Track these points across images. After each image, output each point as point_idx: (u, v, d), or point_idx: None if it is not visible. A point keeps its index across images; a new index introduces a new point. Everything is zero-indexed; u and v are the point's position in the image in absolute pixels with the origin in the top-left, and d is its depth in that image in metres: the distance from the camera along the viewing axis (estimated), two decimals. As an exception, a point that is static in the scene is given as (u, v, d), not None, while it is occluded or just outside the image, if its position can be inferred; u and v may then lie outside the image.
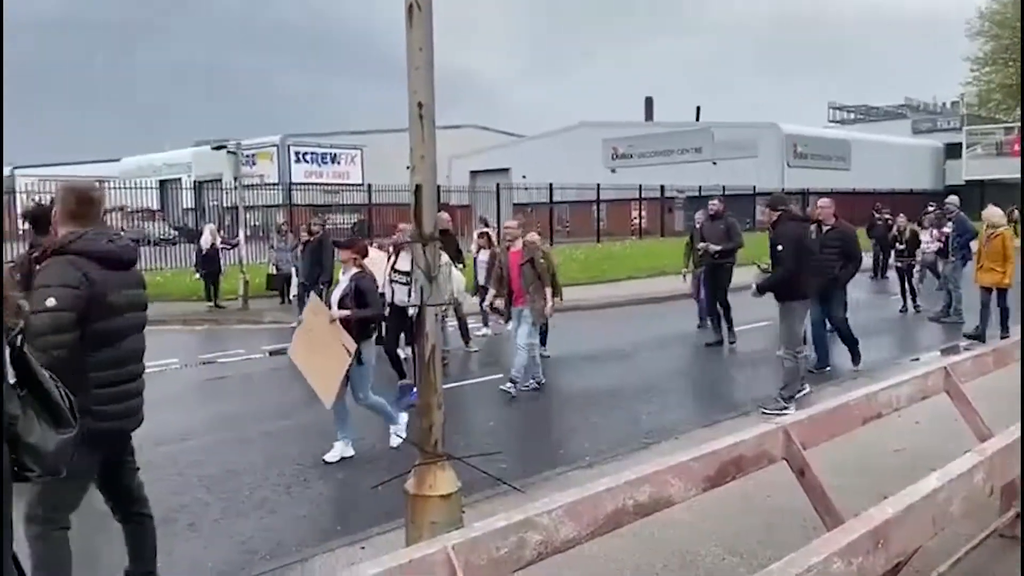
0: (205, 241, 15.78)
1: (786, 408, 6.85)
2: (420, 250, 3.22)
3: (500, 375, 8.70)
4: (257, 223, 25.65)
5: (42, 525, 3.40)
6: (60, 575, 3.43)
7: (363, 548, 4.57)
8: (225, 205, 25.42)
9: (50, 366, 3.03)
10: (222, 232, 16.99)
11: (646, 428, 7.02)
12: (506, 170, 46.37)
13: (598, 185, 36.97)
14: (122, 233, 4.66)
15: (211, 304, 15.55)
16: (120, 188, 27.64)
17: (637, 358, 10.46)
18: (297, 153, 43.45)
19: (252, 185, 23.76)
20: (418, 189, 3.21)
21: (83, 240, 3.36)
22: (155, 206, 36.63)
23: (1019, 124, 38.73)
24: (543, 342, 10.26)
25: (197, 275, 16.10)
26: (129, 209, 29.89)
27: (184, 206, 35.77)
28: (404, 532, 4.36)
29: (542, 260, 8.13)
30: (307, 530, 5.01)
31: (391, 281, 7.81)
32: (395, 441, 6.34)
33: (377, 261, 7.50)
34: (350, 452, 6.30)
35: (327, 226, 13.78)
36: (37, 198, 18.76)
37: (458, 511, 3.31)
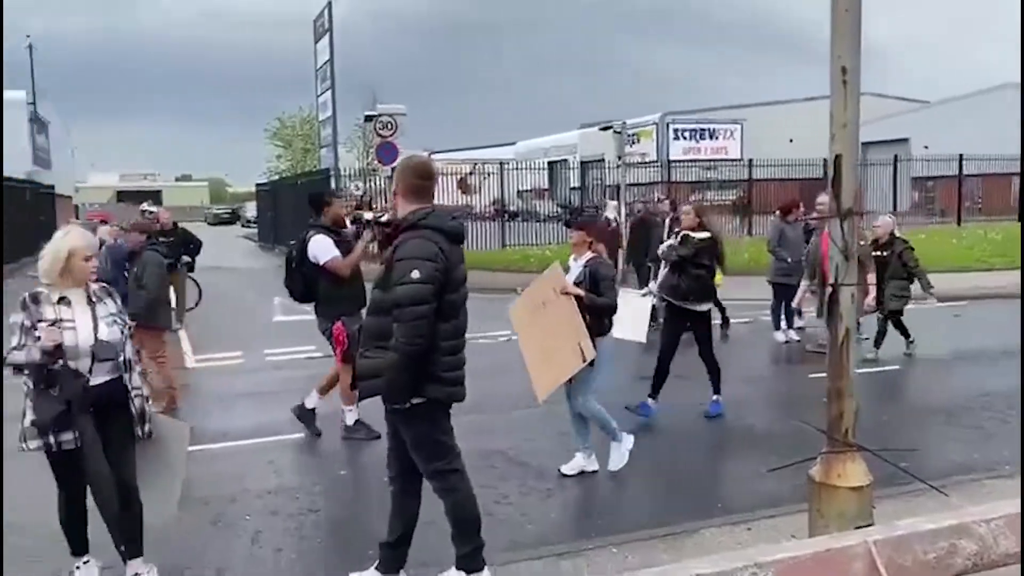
0: (611, 216, 16.67)
1: None
2: (837, 226, 3.01)
3: (888, 367, 8.01)
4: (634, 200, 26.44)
5: (442, 478, 3.68)
6: (470, 506, 3.72)
7: (749, 529, 4.52)
8: (607, 183, 26.60)
9: (406, 335, 3.35)
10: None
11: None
12: (904, 140, 41.98)
13: (1022, 154, 31.80)
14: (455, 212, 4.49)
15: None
16: (516, 169, 30.41)
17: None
18: (675, 130, 43.71)
19: (633, 164, 24.53)
20: (838, 159, 3.00)
21: (434, 216, 3.54)
22: (543, 185, 39.69)
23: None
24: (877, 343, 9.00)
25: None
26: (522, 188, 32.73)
27: (570, 185, 38.17)
28: (792, 519, 4.24)
29: (862, 242, 7.02)
30: (686, 503, 5.07)
31: None
32: (614, 464, 5.42)
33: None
34: (593, 466, 5.47)
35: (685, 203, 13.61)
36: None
37: (869, 505, 3.09)
